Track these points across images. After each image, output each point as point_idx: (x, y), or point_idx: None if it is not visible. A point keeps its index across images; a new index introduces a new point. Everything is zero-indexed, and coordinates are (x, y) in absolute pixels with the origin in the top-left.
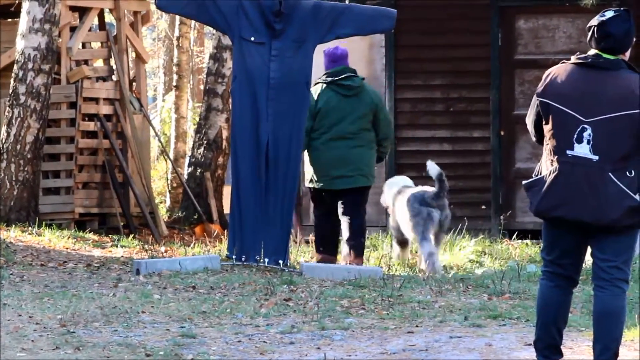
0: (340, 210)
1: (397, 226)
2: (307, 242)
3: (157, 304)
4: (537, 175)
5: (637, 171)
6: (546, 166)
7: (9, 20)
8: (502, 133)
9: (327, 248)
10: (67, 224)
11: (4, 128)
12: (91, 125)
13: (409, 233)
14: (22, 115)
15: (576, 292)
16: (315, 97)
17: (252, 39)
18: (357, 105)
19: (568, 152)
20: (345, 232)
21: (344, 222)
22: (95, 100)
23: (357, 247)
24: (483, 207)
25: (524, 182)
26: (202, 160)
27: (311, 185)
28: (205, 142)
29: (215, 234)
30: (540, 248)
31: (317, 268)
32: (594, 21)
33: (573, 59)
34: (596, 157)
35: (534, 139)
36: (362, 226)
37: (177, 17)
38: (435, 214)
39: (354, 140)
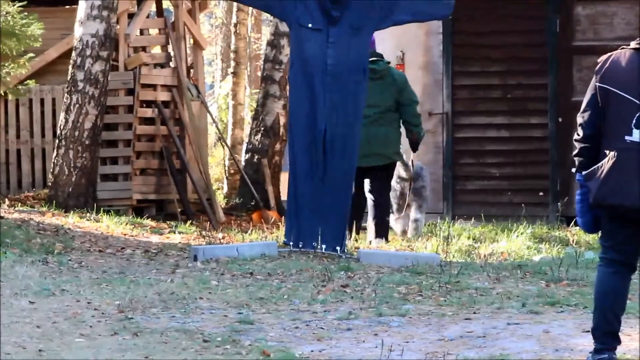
0: (366, 188)
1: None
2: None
3: (214, 290)
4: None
5: None
6: (603, 154)
7: (67, 7)
8: (560, 120)
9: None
10: (125, 210)
11: (62, 114)
12: (149, 112)
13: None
14: (80, 101)
15: (634, 278)
16: None
17: (309, 25)
18: (382, 88)
19: (627, 138)
20: (370, 210)
21: (369, 200)
22: (153, 87)
23: (379, 226)
24: (541, 193)
25: (583, 172)
26: (260, 146)
27: None
28: (262, 128)
29: (272, 221)
30: (599, 234)
31: (374, 255)
32: None
33: (633, 44)
34: None
35: (578, 134)
36: (383, 205)
37: (235, 3)
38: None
39: (378, 121)
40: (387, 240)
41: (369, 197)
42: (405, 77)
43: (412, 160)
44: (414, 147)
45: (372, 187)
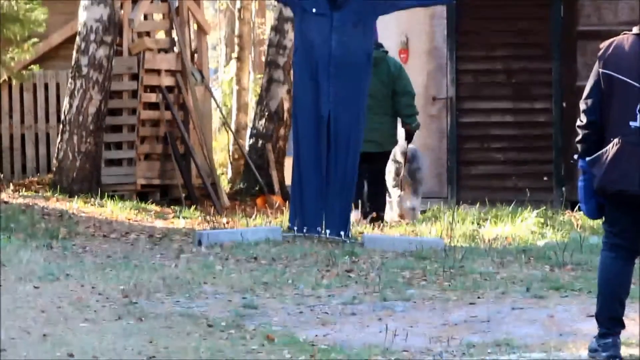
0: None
1: None
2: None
3: (219, 275)
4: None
5: None
6: (607, 140)
7: None
8: (564, 104)
9: None
10: (129, 196)
11: (66, 100)
12: (153, 97)
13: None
14: (84, 86)
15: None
16: None
17: (314, 10)
18: (377, 76)
19: (631, 123)
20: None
21: (365, 186)
22: (157, 72)
23: (371, 211)
24: (545, 178)
25: (587, 158)
26: (264, 131)
27: None
28: (266, 113)
29: (276, 206)
30: (603, 220)
31: (378, 239)
32: None
33: (635, 29)
34: None
35: (581, 121)
36: (377, 193)
37: None
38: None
39: (374, 109)
40: (382, 221)
41: (365, 183)
42: (401, 66)
43: (406, 143)
44: (409, 138)
45: (368, 173)
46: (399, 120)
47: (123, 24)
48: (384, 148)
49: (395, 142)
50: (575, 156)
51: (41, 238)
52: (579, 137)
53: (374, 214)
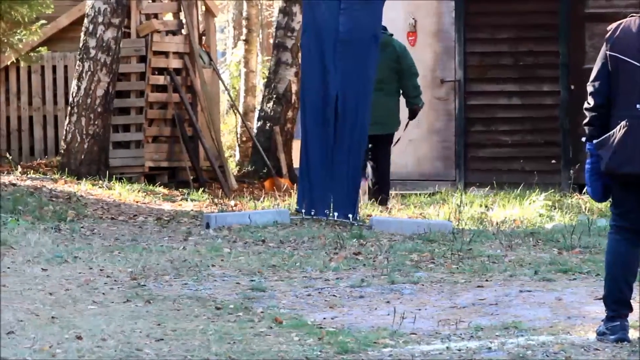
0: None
1: None
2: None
3: (227, 257)
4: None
5: None
6: (615, 122)
7: None
8: (571, 87)
9: None
10: (137, 178)
11: (74, 82)
12: (161, 79)
13: None
14: (92, 69)
15: None
16: None
17: None
18: (383, 58)
19: (638, 106)
20: (370, 176)
21: (369, 166)
22: (165, 54)
23: (378, 192)
24: (553, 161)
25: (594, 141)
26: (272, 114)
27: None
28: (274, 96)
29: (284, 188)
30: (610, 202)
31: (386, 222)
32: None
33: None
34: None
35: (589, 103)
36: (383, 172)
37: None
38: None
39: (377, 91)
40: (386, 206)
41: (369, 164)
42: (405, 47)
43: (407, 124)
44: (413, 116)
45: (373, 155)
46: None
47: (131, 6)
48: (389, 129)
49: (399, 123)
50: (583, 139)
51: (49, 220)
52: (586, 120)
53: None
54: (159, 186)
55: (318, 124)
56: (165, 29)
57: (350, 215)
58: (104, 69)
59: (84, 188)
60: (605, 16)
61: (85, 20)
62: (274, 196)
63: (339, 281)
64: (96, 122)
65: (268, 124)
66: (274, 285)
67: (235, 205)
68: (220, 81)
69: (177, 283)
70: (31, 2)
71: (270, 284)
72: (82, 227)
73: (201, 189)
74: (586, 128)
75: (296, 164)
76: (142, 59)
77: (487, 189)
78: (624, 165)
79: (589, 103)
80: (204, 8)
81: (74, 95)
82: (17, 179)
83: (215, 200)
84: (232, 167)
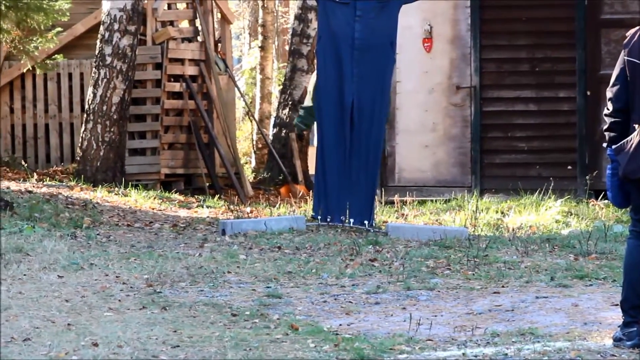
0: None
1: None
2: (392, 202)
3: (242, 264)
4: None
5: None
6: (632, 127)
7: None
8: (588, 93)
9: None
10: (153, 185)
11: (90, 89)
12: (177, 86)
13: None
14: (108, 76)
15: None
16: None
17: None
18: None
19: None
20: None
21: None
22: (181, 61)
23: None
24: (569, 167)
25: (613, 146)
26: (287, 120)
27: None
28: (290, 102)
29: (300, 195)
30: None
31: (402, 228)
32: None
33: None
34: None
35: (608, 109)
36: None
37: None
38: None
39: None
40: None
41: None
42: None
43: None
44: None
45: None
46: None
47: (147, 13)
48: None
49: None
50: (604, 144)
51: (65, 227)
52: (606, 126)
53: None
54: (175, 193)
55: (334, 131)
56: (181, 36)
57: (366, 222)
58: (119, 76)
59: (100, 195)
60: (622, 22)
61: (101, 28)
62: (289, 203)
63: (354, 287)
64: (112, 129)
65: (284, 131)
66: (290, 292)
67: (251, 211)
68: (235, 88)
69: (193, 290)
70: (47, 10)
71: (286, 290)
72: (98, 234)
73: (217, 196)
74: (606, 134)
75: (312, 170)
76: (158, 66)
77: (503, 195)
78: (638, 171)
79: (608, 109)
80: (219, 15)
81: (89, 102)
82: (33, 186)
83: (231, 206)
84: (248, 173)
